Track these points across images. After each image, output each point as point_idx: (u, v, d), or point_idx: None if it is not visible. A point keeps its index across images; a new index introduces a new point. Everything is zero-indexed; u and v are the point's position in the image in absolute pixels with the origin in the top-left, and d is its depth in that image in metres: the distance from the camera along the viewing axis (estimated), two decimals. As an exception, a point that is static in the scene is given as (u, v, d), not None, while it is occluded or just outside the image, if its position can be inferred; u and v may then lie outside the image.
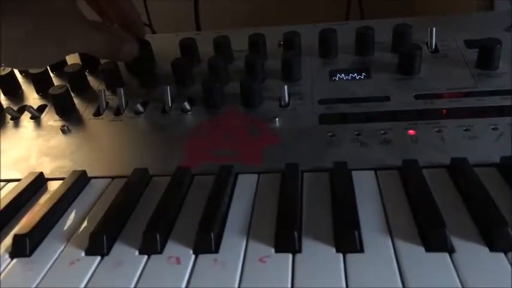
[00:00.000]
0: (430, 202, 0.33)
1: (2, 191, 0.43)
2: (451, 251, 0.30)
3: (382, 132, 0.43)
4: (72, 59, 0.58)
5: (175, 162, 0.43)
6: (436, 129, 0.43)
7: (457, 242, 0.31)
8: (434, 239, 0.31)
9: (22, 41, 0.42)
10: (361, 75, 0.50)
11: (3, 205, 0.39)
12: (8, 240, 0.36)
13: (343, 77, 0.50)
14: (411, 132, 0.43)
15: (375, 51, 0.53)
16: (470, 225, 0.32)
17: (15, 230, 0.36)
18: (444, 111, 0.44)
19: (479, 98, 0.45)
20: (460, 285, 0.28)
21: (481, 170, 0.37)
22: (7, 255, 0.34)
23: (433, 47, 0.52)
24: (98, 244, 0.34)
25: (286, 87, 0.47)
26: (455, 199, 0.35)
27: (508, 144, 0.40)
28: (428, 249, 0.31)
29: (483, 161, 0.39)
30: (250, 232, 0.34)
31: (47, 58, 0.47)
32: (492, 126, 0.42)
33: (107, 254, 0.33)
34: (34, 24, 0.41)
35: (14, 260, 0.34)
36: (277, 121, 0.46)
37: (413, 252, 0.31)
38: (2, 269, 0.33)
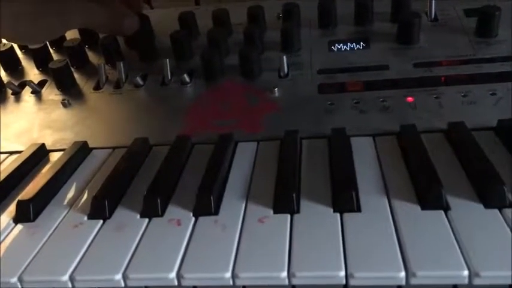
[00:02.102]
0: (426, 162, 0.34)
1: (4, 162, 0.43)
2: (446, 208, 0.31)
3: (381, 99, 0.43)
4: (72, 34, 0.58)
5: (175, 133, 0.43)
6: (435, 96, 0.43)
7: (452, 201, 0.31)
8: (429, 196, 0.31)
9: (24, 15, 0.42)
10: (360, 45, 0.50)
11: (6, 174, 0.39)
12: (11, 208, 0.37)
13: (342, 47, 0.50)
14: (410, 99, 0.43)
15: (373, 21, 0.52)
16: (466, 184, 0.33)
17: (19, 197, 0.36)
18: (443, 78, 0.44)
19: (478, 65, 0.45)
20: (454, 240, 0.28)
21: (479, 133, 0.38)
22: (11, 221, 0.35)
23: (433, 16, 0.52)
24: (100, 208, 0.34)
25: (285, 57, 0.47)
26: (452, 161, 0.36)
27: (507, 108, 0.40)
28: (424, 207, 0.31)
29: (481, 125, 0.39)
30: (250, 195, 0.35)
31: (49, 32, 0.47)
32: (491, 92, 0.42)
33: (109, 217, 0.34)
34: None
35: (18, 225, 0.35)
36: (276, 91, 0.46)
37: (410, 210, 0.31)
38: (6, 233, 0.34)
